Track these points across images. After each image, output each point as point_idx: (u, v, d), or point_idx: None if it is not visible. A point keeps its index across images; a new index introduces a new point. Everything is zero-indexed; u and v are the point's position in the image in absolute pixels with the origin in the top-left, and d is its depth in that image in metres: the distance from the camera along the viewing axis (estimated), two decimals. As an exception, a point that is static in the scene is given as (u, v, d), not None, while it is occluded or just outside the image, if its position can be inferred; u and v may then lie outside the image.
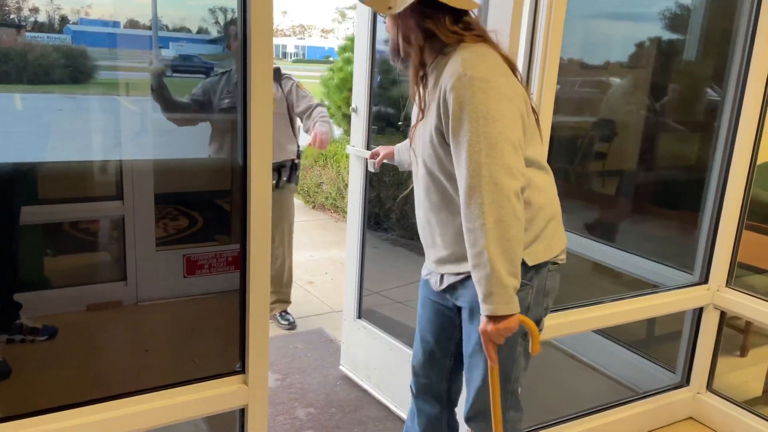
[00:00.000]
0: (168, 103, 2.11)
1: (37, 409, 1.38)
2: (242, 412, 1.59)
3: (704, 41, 2.63)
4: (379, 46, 2.55)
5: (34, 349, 1.64)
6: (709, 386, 2.55)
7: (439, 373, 1.75)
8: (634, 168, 2.79)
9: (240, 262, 1.60)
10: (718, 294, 2.45)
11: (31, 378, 1.59)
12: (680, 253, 2.78)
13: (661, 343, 2.88)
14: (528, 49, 1.81)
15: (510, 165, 1.37)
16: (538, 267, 1.54)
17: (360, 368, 2.68)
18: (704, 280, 2.47)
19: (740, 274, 2.52)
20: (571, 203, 2.78)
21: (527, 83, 1.84)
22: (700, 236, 2.48)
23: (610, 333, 2.65)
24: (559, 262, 1.63)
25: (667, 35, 2.67)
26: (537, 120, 1.59)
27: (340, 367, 2.80)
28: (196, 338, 1.93)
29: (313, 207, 6.07)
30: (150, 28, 2.12)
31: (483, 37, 1.52)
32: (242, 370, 1.58)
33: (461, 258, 1.51)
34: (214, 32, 2.32)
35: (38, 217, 1.67)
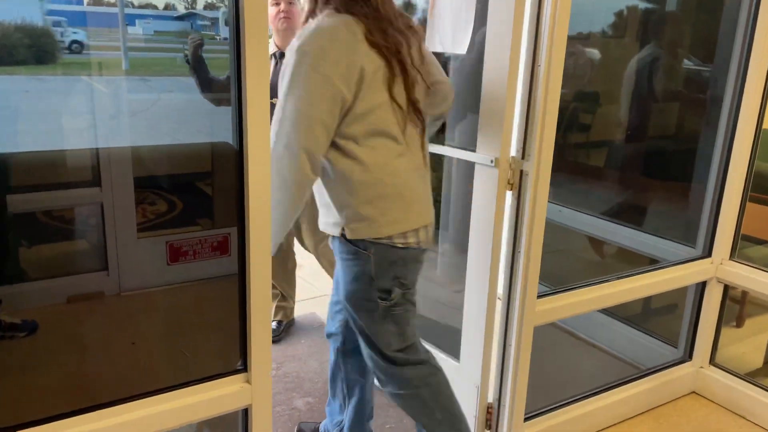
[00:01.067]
0: (203, 78, 2.20)
1: (20, 422, 1.26)
2: (245, 412, 1.50)
3: (705, 9, 2.55)
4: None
5: (13, 346, 1.55)
6: (712, 360, 2.53)
7: (334, 320, 1.94)
8: (633, 140, 2.73)
9: (239, 252, 1.50)
10: (721, 267, 2.41)
11: (12, 382, 1.49)
12: (679, 225, 2.74)
13: (660, 316, 2.85)
14: (534, 22, 1.71)
15: (290, 140, 1.52)
16: (369, 241, 1.63)
17: (357, 354, 2.59)
18: (707, 253, 2.42)
19: (740, 246, 2.48)
20: (566, 177, 2.72)
21: (534, 57, 1.74)
22: (703, 209, 2.43)
23: (608, 308, 2.61)
24: (398, 245, 1.63)
25: (666, 4, 2.59)
26: (410, 92, 1.61)
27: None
28: (184, 328, 1.85)
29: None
30: (115, 5, 1.98)
31: (350, 12, 1.54)
32: (244, 369, 1.48)
33: (329, 216, 1.68)
34: (181, 9, 2.22)
35: (11, 207, 1.59)
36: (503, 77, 1.78)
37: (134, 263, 1.84)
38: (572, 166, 2.79)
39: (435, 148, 2.16)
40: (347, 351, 1.94)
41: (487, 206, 1.91)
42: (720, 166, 2.36)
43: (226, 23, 1.35)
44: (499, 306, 1.99)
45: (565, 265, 2.75)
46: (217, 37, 2.44)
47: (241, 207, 1.41)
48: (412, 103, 1.63)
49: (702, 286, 2.46)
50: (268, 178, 1.38)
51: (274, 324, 2.96)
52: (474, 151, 1.94)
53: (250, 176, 1.36)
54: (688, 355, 2.54)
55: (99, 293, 1.86)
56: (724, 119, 2.34)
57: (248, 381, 1.46)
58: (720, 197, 2.37)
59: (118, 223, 1.83)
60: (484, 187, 1.92)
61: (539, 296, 1.97)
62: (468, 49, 1.97)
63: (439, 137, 2.44)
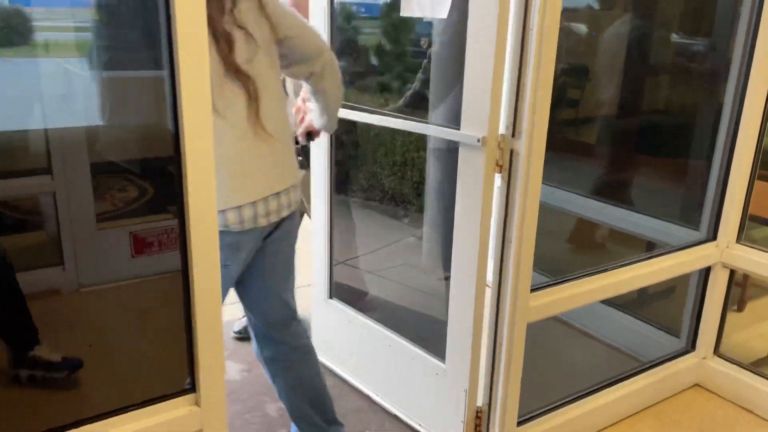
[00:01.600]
0: None
1: None
2: (195, 438, 1.29)
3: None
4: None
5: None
6: (716, 351, 2.35)
7: None
8: (630, 115, 2.53)
9: (180, 252, 1.29)
10: (727, 251, 2.22)
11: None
12: (681, 206, 2.56)
13: (659, 303, 2.68)
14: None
15: None
16: None
17: (334, 353, 2.39)
18: (712, 236, 2.23)
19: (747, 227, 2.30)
20: (557, 155, 2.52)
21: (525, 19, 1.52)
22: (708, 188, 2.23)
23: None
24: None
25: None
26: (225, 56, 1.46)
27: (313, 352, 2.51)
28: (142, 331, 1.66)
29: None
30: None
31: None
32: (192, 389, 1.27)
33: None
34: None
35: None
36: (490, 43, 1.56)
37: (94, 257, 1.67)
38: (563, 142, 2.59)
39: (414, 126, 1.94)
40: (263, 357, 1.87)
41: (473, 191, 1.69)
42: (726, 142, 2.16)
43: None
44: (489, 299, 1.79)
45: (558, 248, 2.57)
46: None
47: (181, 197, 1.20)
48: (232, 67, 1.46)
49: (706, 272, 2.28)
50: (210, 158, 1.18)
51: (245, 321, 2.75)
52: (458, 128, 1.72)
53: (188, 159, 1.15)
54: (691, 346, 2.36)
55: (55, 290, 1.69)
56: (731, 92, 2.13)
57: (197, 403, 1.25)
58: (726, 176, 2.18)
59: (75, 214, 1.66)
60: (470, 169, 1.70)
61: (533, 289, 1.78)
62: (449, 12, 1.74)
63: (422, 114, 2.23)
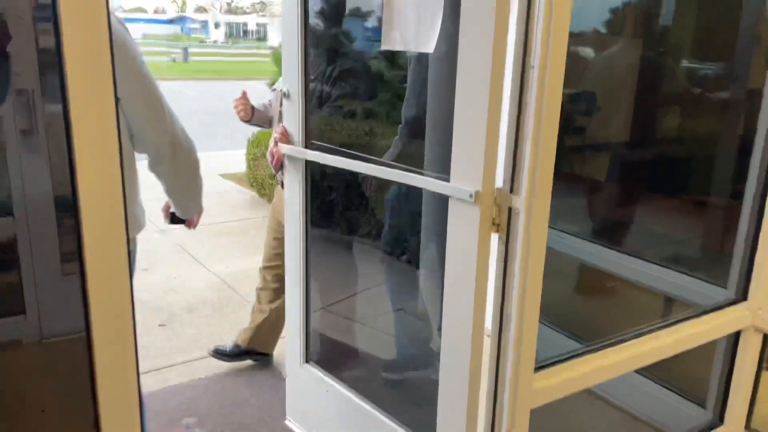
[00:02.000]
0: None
1: None
2: None
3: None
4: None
5: None
6: (748, 425, 2.06)
7: None
8: (643, 152, 2.27)
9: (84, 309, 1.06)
10: (760, 314, 1.94)
11: None
12: (699, 257, 2.29)
13: (682, 365, 2.39)
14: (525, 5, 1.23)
15: None
16: None
17: (312, 424, 2.11)
18: (742, 296, 1.95)
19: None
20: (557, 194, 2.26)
21: (524, 53, 1.26)
22: (737, 239, 1.96)
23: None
24: None
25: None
26: None
27: (286, 422, 2.23)
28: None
29: (269, 200, 5.44)
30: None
31: None
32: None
33: None
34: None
35: None
36: (485, 83, 1.30)
37: (59, 304, 1.45)
38: (568, 179, 2.33)
39: (397, 176, 1.69)
40: None
41: (466, 255, 1.43)
42: (758, 185, 1.89)
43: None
44: (486, 371, 1.51)
45: (561, 301, 2.30)
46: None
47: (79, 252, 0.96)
48: None
49: (735, 335, 1.99)
50: (119, 196, 0.94)
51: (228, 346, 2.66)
52: (447, 180, 1.46)
53: (82, 195, 0.91)
54: (719, 419, 2.07)
55: (15, 342, 1.48)
56: (764, 125, 1.87)
57: None
58: (758, 224, 1.90)
59: (37, 258, 1.45)
60: (462, 228, 1.44)
61: (537, 368, 1.51)
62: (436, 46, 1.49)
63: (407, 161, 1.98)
